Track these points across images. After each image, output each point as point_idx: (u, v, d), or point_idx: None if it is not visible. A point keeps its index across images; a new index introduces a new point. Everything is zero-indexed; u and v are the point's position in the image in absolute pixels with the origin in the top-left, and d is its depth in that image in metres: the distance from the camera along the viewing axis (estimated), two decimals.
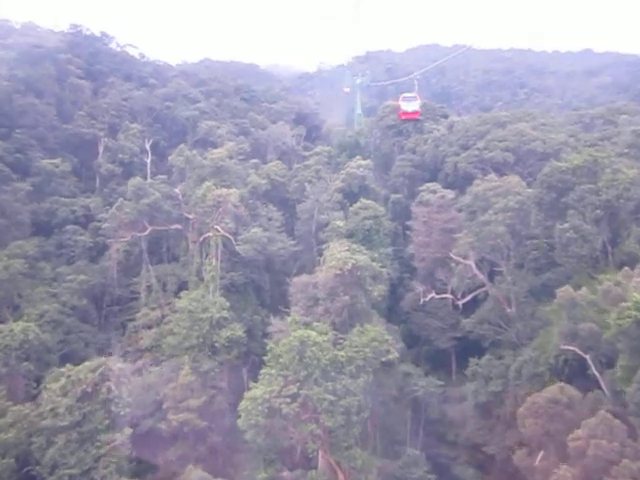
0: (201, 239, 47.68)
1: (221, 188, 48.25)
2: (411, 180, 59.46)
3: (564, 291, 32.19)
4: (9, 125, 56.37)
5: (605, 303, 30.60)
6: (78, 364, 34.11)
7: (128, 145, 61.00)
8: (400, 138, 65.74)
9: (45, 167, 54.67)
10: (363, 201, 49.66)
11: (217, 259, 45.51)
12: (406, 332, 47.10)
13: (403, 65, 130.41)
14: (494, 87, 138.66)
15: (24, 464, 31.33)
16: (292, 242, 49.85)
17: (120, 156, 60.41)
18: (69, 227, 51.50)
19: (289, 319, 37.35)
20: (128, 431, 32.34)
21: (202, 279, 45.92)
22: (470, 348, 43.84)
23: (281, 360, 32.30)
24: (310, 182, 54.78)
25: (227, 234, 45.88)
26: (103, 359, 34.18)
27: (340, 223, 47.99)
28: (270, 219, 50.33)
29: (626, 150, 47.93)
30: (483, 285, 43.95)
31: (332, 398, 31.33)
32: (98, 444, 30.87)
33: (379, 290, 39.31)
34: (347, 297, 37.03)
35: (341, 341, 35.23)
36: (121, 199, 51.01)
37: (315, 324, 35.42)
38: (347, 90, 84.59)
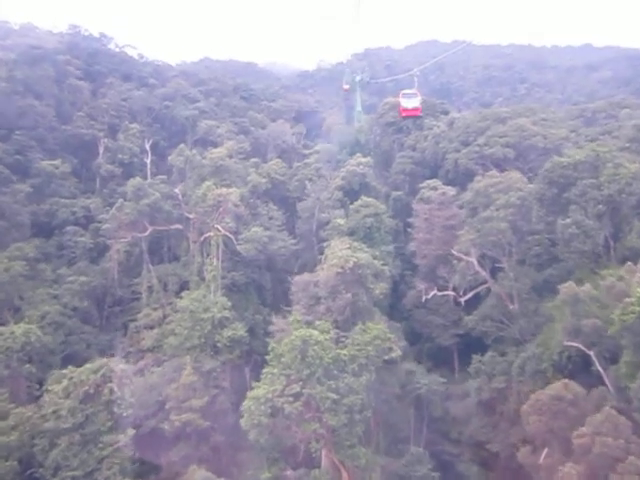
0: (202, 239, 47.59)
1: (221, 187, 48.15)
2: (412, 177, 59.21)
3: (567, 287, 32.00)
4: (8, 126, 56.28)
5: (608, 298, 30.42)
6: (80, 365, 34.11)
7: (128, 145, 60.93)
8: (400, 135, 65.48)
9: (45, 168, 54.64)
10: (364, 199, 49.48)
11: (218, 259, 45.41)
12: (408, 329, 46.94)
13: (402, 62, 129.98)
14: (494, 83, 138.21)
15: (27, 466, 31.33)
16: (293, 241, 49.72)
17: (120, 156, 60.35)
18: (69, 228, 51.48)
19: (291, 318, 37.25)
20: (131, 432, 32.30)
21: (203, 279, 45.83)
22: (473, 345, 43.67)
23: (283, 359, 32.22)
24: (310, 180, 54.61)
25: (228, 233, 45.78)
26: (105, 360, 34.14)
27: (341, 221, 47.84)
28: (271, 218, 50.20)
29: (628, 144, 47.65)
30: (485, 282, 43.74)
31: (335, 397, 31.24)
32: (101, 446, 30.85)
33: (381, 288, 39.17)
34: (349, 295, 36.91)
35: (343, 339, 35.12)
36: (121, 200, 50.93)
37: (317, 323, 35.32)
38: (346, 87, 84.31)
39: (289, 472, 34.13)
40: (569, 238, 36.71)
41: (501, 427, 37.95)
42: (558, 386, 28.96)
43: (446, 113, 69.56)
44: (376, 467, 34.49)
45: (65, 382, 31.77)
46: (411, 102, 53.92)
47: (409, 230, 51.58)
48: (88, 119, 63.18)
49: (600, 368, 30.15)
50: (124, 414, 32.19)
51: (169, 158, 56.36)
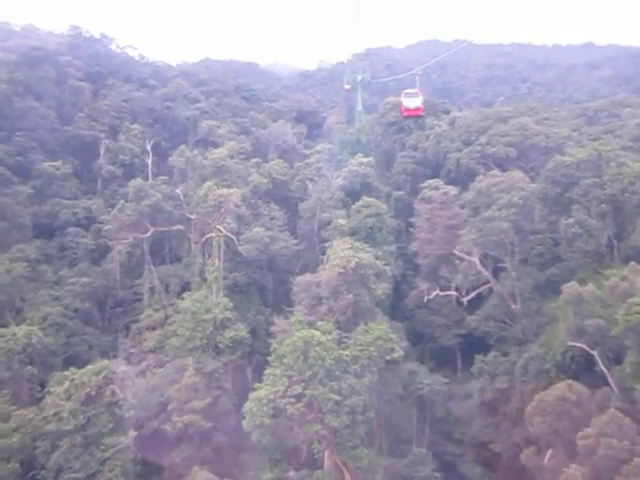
0: (203, 239, 47.51)
1: (222, 188, 48.04)
2: (413, 177, 59.03)
3: (570, 287, 31.86)
4: (9, 128, 56.32)
5: (612, 298, 30.27)
6: (82, 367, 34.05)
7: (129, 146, 60.89)
8: (401, 135, 65.29)
9: (46, 170, 54.60)
10: (365, 199, 49.33)
11: (220, 259, 45.33)
12: (410, 329, 46.81)
13: (403, 61, 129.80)
14: (495, 82, 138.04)
15: (29, 468, 31.32)
16: (294, 241, 49.60)
17: (121, 157, 60.31)
18: (71, 229, 51.44)
19: (293, 319, 37.15)
20: (133, 434, 32.21)
21: (205, 280, 45.74)
22: (475, 345, 43.55)
23: (285, 360, 32.12)
24: (312, 180, 54.50)
25: (229, 234, 45.69)
26: (107, 362, 34.08)
27: (342, 221, 47.71)
28: (272, 218, 50.11)
29: (630, 143, 47.45)
30: (487, 281, 43.60)
31: (337, 398, 31.13)
32: (103, 447, 30.78)
33: (383, 288, 39.05)
34: (351, 295, 36.79)
35: (345, 340, 35.02)
36: (122, 201, 50.88)
37: (319, 323, 35.21)
38: (347, 87, 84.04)
39: (291, 473, 34.04)
40: (572, 238, 36.60)
41: (504, 427, 37.85)
42: (562, 387, 28.81)
43: (447, 112, 69.34)
44: (379, 468, 34.31)
45: (67, 384, 31.72)
46: (413, 102, 53.76)
47: (411, 230, 51.42)
48: (89, 120, 63.13)
49: (604, 368, 30.01)
50: (126, 416, 32.12)
51: (170, 159, 56.26)
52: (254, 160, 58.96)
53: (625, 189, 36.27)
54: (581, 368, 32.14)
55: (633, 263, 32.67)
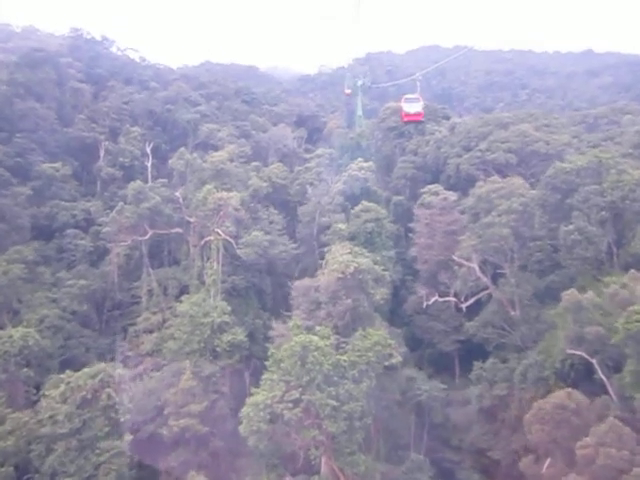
0: (202, 243, 47.37)
1: (222, 191, 47.93)
2: (413, 182, 59.07)
3: (569, 294, 31.78)
4: (9, 129, 56.32)
5: (612, 306, 30.19)
6: (79, 369, 33.81)
7: (129, 148, 60.82)
8: (401, 140, 65.40)
9: (45, 171, 54.51)
10: (365, 203, 49.30)
11: (218, 263, 45.18)
12: (409, 335, 46.68)
13: (404, 67, 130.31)
14: (495, 88, 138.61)
15: (23, 472, 31.04)
16: (293, 245, 49.48)
17: (121, 160, 60.23)
18: (69, 231, 51.27)
19: (291, 323, 36.98)
20: (128, 438, 31.97)
21: (203, 283, 45.56)
22: (474, 351, 43.42)
23: (283, 365, 31.94)
24: (311, 185, 54.43)
25: (228, 237, 45.56)
26: (103, 365, 33.85)
27: (342, 226, 47.64)
28: (271, 222, 50.00)
29: (630, 150, 47.55)
30: (487, 288, 43.51)
31: (335, 403, 30.95)
32: (98, 451, 30.51)
33: (381, 293, 38.92)
34: (349, 301, 36.64)
35: (343, 345, 34.84)
36: (121, 203, 50.75)
37: (317, 328, 35.04)
38: (348, 92, 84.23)
39: (288, 478, 33.83)
40: (572, 244, 36.58)
41: (502, 434, 37.69)
42: (561, 395, 28.66)
43: (447, 118, 69.53)
44: (376, 474, 34.10)
45: (62, 387, 31.48)
46: (413, 107, 53.82)
47: (410, 235, 51.39)
48: (89, 122, 63.08)
49: (603, 377, 29.89)
50: (122, 419, 31.86)
51: (170, 161, 56.21)
52: (254, 164, 58.93)
53: (625, 196, 36.30)
54: (580, 376, 32.02)
55: (633, 271, 32.64)
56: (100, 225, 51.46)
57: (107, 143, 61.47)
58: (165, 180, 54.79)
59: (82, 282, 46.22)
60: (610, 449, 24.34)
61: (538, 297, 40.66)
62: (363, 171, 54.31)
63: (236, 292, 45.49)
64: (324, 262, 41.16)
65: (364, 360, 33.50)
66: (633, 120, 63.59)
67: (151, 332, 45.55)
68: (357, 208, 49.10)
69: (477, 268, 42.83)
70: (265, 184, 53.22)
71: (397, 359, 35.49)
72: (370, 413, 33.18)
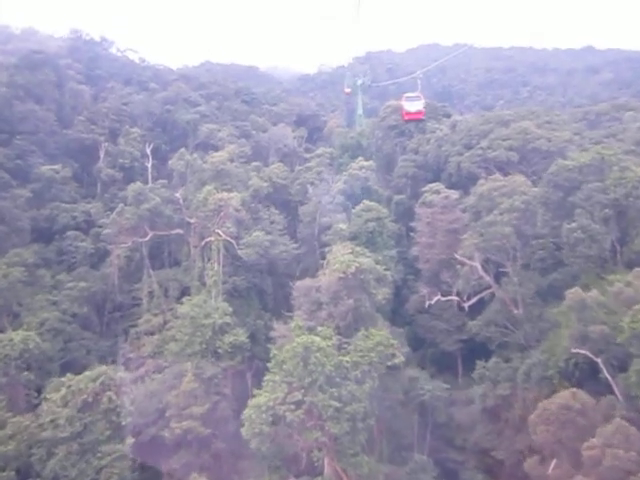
0: (203, 244, 47.21)
1: (222, 192, 47.80)
2: (414, 181, 58.76)
3: (573, 293, 31.46)
4: (9, 131, 56.31)
5: (616, 305, 29.91)
6: (80, 372, 33.66)
7: (129, 150, 60.70)
8: (402, 138, 65.09)
9: (45, 173, 54.45)
10: (366, 203, 48.99)
11: (219, 264, 45.01)
12: (411, 335, 46.41)
13: (404, 65, 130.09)
14: (496, 85, 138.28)
15: (24, 476, 30.91)
16: (294, 245, 49.30)
17: (121, 161, 60.13)
18: (70, 233, 51.16)
19: (292, 324, 36.78)
20: (130, 441, 31.78)
21: (204, 284, 45.40)
22: (476, 350, 43.14)
23: (285, 366, 31.71)
24: (312, 184, 54.24)
25: (229, 238, 45.39)
26: (104, 368, 33.69)
27: (343, 225, 47.40)
28: (272, 222, 49.82)
29: (633, 147, 47.36)
30: (489, 286, 43.21)
31: (337, 405, 30.70)
32: (99, 455, 30.36)
33: (383, 293, 38.68)
34: (351, 301, 36.41)
35: (346, 346, 34.63)
36: (121, 204, 50.65)
37: (319, 329, 34.80)
38: (348, 91, 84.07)
39: None
40: (575, 242, 36.27)
41: (506, 434, 37.40)
42: (566, 395, 28.35)
43: (448, 116, 69.20)
44: (379, 475, 33.86)
45: (63, 390, 31.33)
46: (414, 105, 53.43)
47: (412, 234, 51.09)
48: (89, 123, 63.00)
49: (608, 376, 29.58)
50: (123, 422, 31.68)
51: (170, 162, 56.09)
52: (254, 164, 58.77)
53: (629, 193, 35.99)
54: (585, 375, 31.72)
55: (637, 269, 32.28)
56: (100, 227, 51.31)
57: (107, 144, 61.38)
58: (165, 181, 54.71)
59: (82, 284, 46.06)
60: (617, 450, 24.01)
61: (541, 295, 40.36)
62: (364, 170, 54.09)
63: (237, 293, 45.32)
64: (325, 262, 40.94)
65: (366, 360, 33.27)
66: (635, 117, 63.28)
67: (152, 334, 45.37)
68: (358, 207, 48.80)
69: (479, 267, 42.54)
70: (265, 184, 53.04)
71: (400, 359, 35.25)
72: (373, 414, 32.95)
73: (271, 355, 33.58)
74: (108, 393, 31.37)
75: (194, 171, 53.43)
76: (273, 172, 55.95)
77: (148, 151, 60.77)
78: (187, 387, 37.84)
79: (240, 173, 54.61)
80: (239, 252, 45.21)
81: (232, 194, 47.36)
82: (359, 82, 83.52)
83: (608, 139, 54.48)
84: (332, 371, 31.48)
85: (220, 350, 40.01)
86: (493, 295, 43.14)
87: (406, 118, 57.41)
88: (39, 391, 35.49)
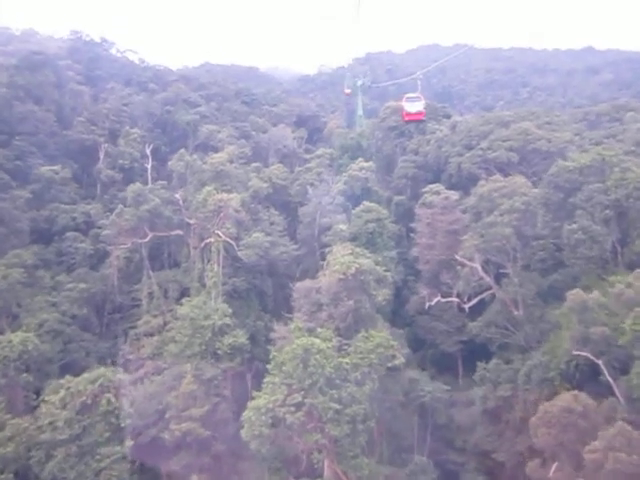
0: (202, 245, 47.10)
1: (222, 193, 47.69)
2: (414, 181, 58.69)
3: (574, 294, 31.34)
4: (9, 132, 56.26)
5: (617, 306, 29.78)
6: (79, 374, 33.61)
7: (128, 151, 60.61)
8: (402, 139, 65.05)
9: (45, 174, 54.36)
10: (366, 204, 48.96)
11: (219, 265, 44.89)
12: (411, 336, 46.31)
13: (403, 66, 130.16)
14: (496, 86, 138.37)
15: (23, 479, 30.83)
16: (294, 246, 49.19)
17: (120, 162, 60.04)
18: (69, 234, 51.05)
19: (292, 325, 36.69)
20: (129, 443, 31.66)
21: (204, 285, 45.28)
22: (477, 352, 43.03)
23: (284, 368, 31.61)
24: (312, 185, 54.18)
25: (228, 239, 45.28)
26: (103, 370, 33.59)
27: (343, 226, 47.32)
28: (272, 223, 49.73)
29: (633, 148, 47.21)
30: (489, 287, 43.06)
31: (337, 407, 30.61)
32: (98, 457, 30.28)
33: (383, 294, 38.59)
34: (351, 302, 36.32)
35: (346, 347, 34.53)
36: (121, 205, 50.53)
37: (319, 330, 34.74)
38: (348, 92, 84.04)
39: None
40: (575, 244, 36.19)
41: (507, 436, 37.25)
42: (567, 397, 28.20)
43: (448, 117, 69.16)
44: (379, 477, 33.73)
45: (62, 392, 31.25)
46: (415, 106, 53.29)
47: (412, 235, 50.99)
48: (89, 124, 62.95)
49: (610, 378, 29.45)
50: (122, 424, 31.56)
51: (169, 163, 56.01)
52: (254, 165, 58.68)
53: (629, 194, 35.90)
54: (586, 377, 31.59)
55: (638, 270, 32.17)
56: (100, 228, 51.19)
57: (107, 145, 61.31)
58: (165, 182, 54.56)
59: (82, 285, 45.93)
60: (619, 453, 23.83)
61: (542, 297, 40.23)
62: (364, 171, 54.02)
63: (237, 294, 45.20)
64: (325, 263, 40.85)
65: (366, 362, 33.18)
66: (635, 117, 63.18)
67: (152, 335, 45.24)
68: (358, 208, 48.76)
69: (480, 268, 42.41)
70: (265, 185, 52.95)
71: (400, 360, 35.15)
72: (373, 415, 32.84)
73: (271, 357, 33.49)
74: (107, 395, 31.29)
75: (194, 172, 53.34)
76: (273, 173, 55.86)
77: (148, 152, 60.67)
78: (187, 388, 37.73)
79: (240, 174, 54.52)
80: (239, 253, 45.09)
81: (232, 195, 47.25)
82: (359, 83, 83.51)
83: (608, 140, 54.37)
84: (332, 373, 31.39)
85: (220, 351, 39.89)
86: (493, 296, 43.00)
87: (406, 119, 57.25)
88: (38, 393, 35.39)
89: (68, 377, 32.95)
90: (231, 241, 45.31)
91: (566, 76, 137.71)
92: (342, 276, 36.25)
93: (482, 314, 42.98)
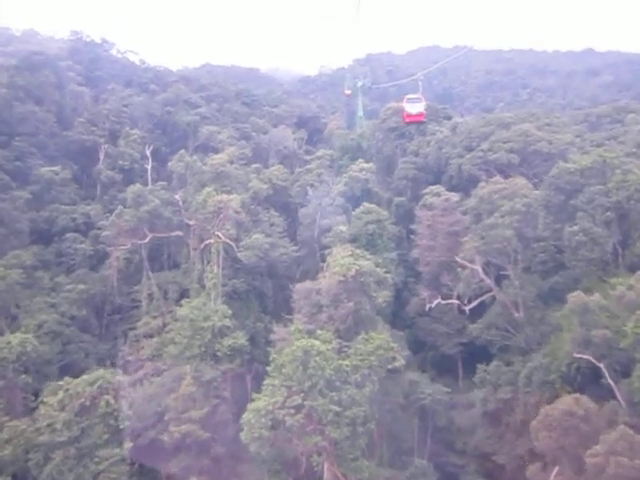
0: (202, 246, 47.01)
1: (222, 194, 47.62)
2: (414, 183, 58.63)
3: (575, 296, 31.21)
4: (9, 133, 56.15)
5: (619, 309, 29.66)
6: (78, 375, 33.48)
7: (128, 151, 60.50)
8: (403, 140, 64.99)
9: (45, 175, 54.25)
10: (366, 205, 48.87)
11: (218, 266, 44.80)
12: (411, 338, 46.20)
13: (404, 67, 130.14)
14: (496, 88, 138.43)
15: None
16: (294, 247, 49.09)
17: (120, 163, 59.93)
18: (69, 235, 50.91)
19: (292, 327, 36.57)
20: (128, 445, 31.52)
21: (204, 286, 45.16)
22: (477, 354, 42.93)
23: (284, 370, 31.51)
24: (312, 186, 54.11)
25: (228, 240, 45.19)
26: (102, 371, 33.46)
27: (343, 228, 47.22)
28: (272, 224, 49.63)
29: (634, 150, 47.11)
30: (490, 289, 42.94)
31: (337, 409, 30.51)
32: (97, 459, 30.14)
33: (384, 296, 38.45)
34: (351, 304, 36.20)
35: (346, 349, 34.43)
36: (121, 206, 50.43)
37: (319, 332, 34.63)
38: (348, 93, 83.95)
39: None
40: (576, 246, 36.10)
41: (507, 438, 37.13)
42: (569, 401, 28.04)
43: (449, 118, 69.10)
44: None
45: (61, 394, 31.10)
46: (415, 107, 53.21)
47: (412, 237, 50.88)
48: (89, 125, 62.85)
49: (611, 381, 29.30)
50: (121, 426, 31.41)
51: (169, 164, 55.94)
52: (254, 166, 58.58)
53: (630, 196, 35.82)
54: (587, 380, 31.46)
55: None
56: (100, 229, 51.06)
57: (107, 146, 61.20)
58: (165, 183, 54.47)
59: (81, 286, 45.79)
60: (621, 458, 23.64)
61: (542, 299, 40.14)
62: (364, 172, 53.91)
63: (237, 295, 45.12)
64: (325, 265, 40.75)
65: (366, 364, 33.07)
66: (636, 119, 63.15)
67: (151, 336, 45.12)
68: (358, 210, 48.68)
69: (480, 270, 42.29)
70: (265, 186, 52.86)
71: (400, 362, 35.04)
72: (373, 418, 32.73)
73: (270, 359, 33.40)
74: (106, 397, 31.15)
75: (194, 173, 53.27)
76: (273, 174, 55.77)
77: (148, 153, 60.57)
78: (186, 390, 37.62)
79: (240, 175, 54.43)
80: (239, 254, 45.00)
81: (232, 196, 47.16)
82: (359, 84, 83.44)
83: (609, 142, 54.33)
84: (332, 375, 31.30)
85: (219, 353, 39.81)
86: (494, 298, 42.90)
87: (407, 120, 57.22)
88: (36, 394, 35.22)
89: (67, 379, 32.82)
90: (231, 242, 45.22)
91: (566, 78, 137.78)
92: (342, 278, 36.15)
93: (482, 316, 42.88)
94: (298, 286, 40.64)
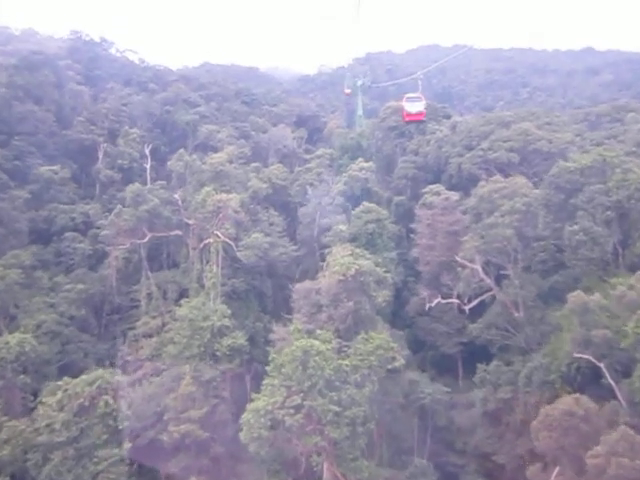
0: (201, 245, 46.92)
1: (221, 193, 47.51)
2: (414, 182, 58.52)
3: (575, 296, 31.12)
4: (8, 132, 56.07)
5: (619, 308, 29.57)
6: (77, 375, 33.40)
7: (128, 151, 60.39)
8: (402, 139, 64.87)
9: (44, 174, 54.16)
10: (366, 204, 48.79)
11: (218, 265, 44.71)
12: (411, 337, 46.14)
13: (403, 66, 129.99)
14: (496, 87, 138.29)
15: None
16: (294, 247, 49.00)
17: (119, 162, 59.83)
18: (68, 234, 50.80)
19: (292, 327, 36.49)
20: (127, 445, 31.45)
21: (203, 286, 45.10)
22: (477, 353, 42.88)
23: (284, 370, 31.42)
24: (312, 185, 54.03)
25: (228, 240, 45.10)
26: (101, 371, 33.38)
27: (343, 227, 47.15)
28: (271, 224, 49.53)
29: (634, 149, 47.05)
30: (490, 289, 42.87)
31: (337, 409, 30.43)
32: (96, 460, 30.05)
33: (383, 295, 38.40)
34: (351, 303, 36.13)
35: (345, 349, 34.36)
36: (120, 206, 50.31)
37: (318, 332, 34.54)
38: (348, 92, 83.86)
39: None
40: (576, 245, 36.02)
41: (507, 438, 37.08)
42: (569, 401, 27.95)
43: (448, 117, 68.98)
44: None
45: (59, 394, 31.01)
46: (415, 106, 53.02)
47: (412, 236, 50.79)
48: (88, 124, 62.72)
49: (612, 381, 29.22)
50: (120, 427, 31.34)
51: (169, 163, 55.82)
52: (254, 165, 58.50)
53: (631, 195, 35.75)
54: (587, 380, 31.39)
55: None
56: (99, 228, 50.95)
57: (106, 145, 61.09)
58: (164, 182, 54.36)
59: (80, 286, 45.69)
60: (622, 459, 23.53)
61: (542, 298, 40.07)
62: (364, 171, 53.83)
63: (236, 295, 45.03)
64: (325, 264, 40.68)
65: (366, 364, 33.00)
66: (636, 118, 63.06)
67: (150, 336, 45.05)
68: (358, 209, 48.59)
69: (480, 269, 42.21)
70: (265, 185, 52.75)
71: (400, 362, 34.97)
72: (373, 418, 32.67)
73: (270, 358, 33.32)
74: (105, 397, 31.07)
75: (193, 172, 53.16)
76: (272, 173, 55.66)
77: (147, 152, 60.42)
78: (185, 390, 37.55)
79: (239, 174, 54.33)
80: (238, 254, 44.91)
81: (231, 195, 47.07)
82: (359, 83, 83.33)
83: (609, 141, 54.21)
84: (331, 375, 31.21)
85: (219, 353, 39.73)
86: (494, 298, 42.83)
87: (407, 119, 56.90)
88: (35, 395, 35.14)
89: (66, 379, 32.73)
90: (230, 242, 45.13)
91: (566, 77, 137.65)
92: (342, 277, 36.08)
93: (482, 316, 42.81)
94: (298, 286, 40.57)
